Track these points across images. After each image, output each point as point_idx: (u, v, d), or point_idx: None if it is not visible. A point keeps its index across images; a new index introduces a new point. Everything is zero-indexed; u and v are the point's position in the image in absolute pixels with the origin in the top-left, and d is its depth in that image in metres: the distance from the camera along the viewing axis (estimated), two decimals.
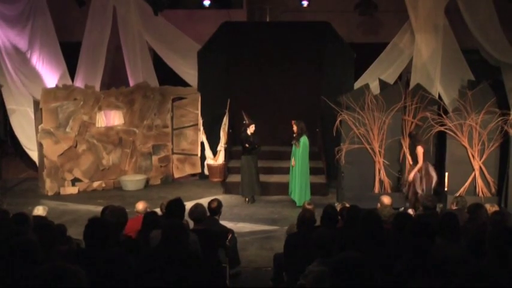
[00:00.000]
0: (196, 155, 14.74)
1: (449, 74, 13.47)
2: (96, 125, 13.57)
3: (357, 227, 5.77)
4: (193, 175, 14.85)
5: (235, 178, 13.40)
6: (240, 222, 10.97)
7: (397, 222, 5.87)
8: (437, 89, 13.43)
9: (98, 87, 13.95)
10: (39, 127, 13.01)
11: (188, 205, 7.07)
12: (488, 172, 11.41)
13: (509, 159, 11.17)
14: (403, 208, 10.97)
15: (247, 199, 12.44)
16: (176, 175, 14.80)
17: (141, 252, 5.24)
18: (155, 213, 7.11)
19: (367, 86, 12.19)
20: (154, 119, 14.38)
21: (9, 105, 13.97)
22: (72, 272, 3.18)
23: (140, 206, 8.11)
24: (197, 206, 7.17)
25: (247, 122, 12.45)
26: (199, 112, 14.66)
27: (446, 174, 11.58)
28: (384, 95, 11.82)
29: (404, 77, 14.55)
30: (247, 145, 12.25)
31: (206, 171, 14.63)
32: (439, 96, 13.21)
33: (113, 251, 4.33)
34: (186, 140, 14.79)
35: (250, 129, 12.27)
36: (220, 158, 14.35)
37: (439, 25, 13.41)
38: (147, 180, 14.14)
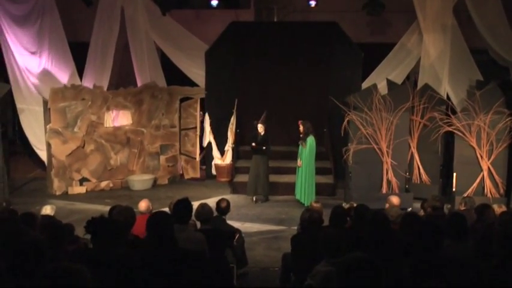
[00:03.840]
0: (195, 158, 14.74)
1: (458, 74, 13.43)
2: (104, 125, 13.60)
3: (365, 228, 5.75)
4: (196, 179, 14.79)
5: (242, 178, 13.40)
6: (247, 222, 10.97)
7: (405, 223, 5.85)
8: (445, 89, 13.40)
9: (105, 87, 13.98)
10: (48, 127, 13.05)
11: (196, 205, 7.06)
12: (496, 173, 11.36)
13: None
14: (410, 208, 10.94)
15: (254, 199, 12.44)
16: (185, 176, 14.79)
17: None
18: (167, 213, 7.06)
19: (374, 86, 12.15)
20: (162, 118, 14.39)
21: (19, 104, 14.01)
22: (76, 271, 3.18)
23: (143, 205, 8.05)
24: (203, 206, 7.15)
25: (257, 121, 12.44)
26: (197, 114, 14.65)
27: (454, 174, 11.55)
28: (392, 95, 11.79)
29: (412, 77, 14.52)
30: (253, 144, 12.27)
31: (214, 171, 14.62)
32: (447, 97, 13.18)
33: (120, 250, 4.33)
34: (189, 141, 14.81)
35: (259, 129, 12.29)
36: (228, 158, 14.35)
37: (447, 25, 13.37)
38: (155, 180, 14.16)
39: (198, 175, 14.74)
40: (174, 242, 4.74)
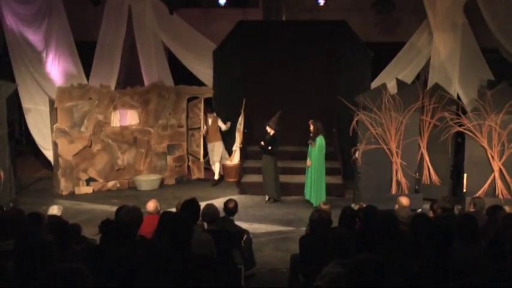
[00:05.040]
0: (199, 159, 14.74)
1: (468, 73, 13.39)
2: (111, 125, 13.64)
3: (374, 229, 5.74)
4: (201, 179, 14.75)
5: (250, 178, 13.42)
6: (255, 223, 10.97)
7: (414, 224, 5.83)
8: (455, 88, 13.37)
9: (113, 87, 14.01)
10: (54, 126, 13.10)
11: (203, 205, 7.07)
12: (508, 173, 11.29)
13: None
14: (420, 209, 10.91)
15: (266, 198, 12.49)
16: (192, 176, 14.79)
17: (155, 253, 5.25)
18: (172, 213, 7.08)
19: (384, 85, 12.12)
20: (169, 118, 14.39)
21: (25, 104, 14.05)
22: (77, 271, 3.20)
23: (151, 205, 8.06)
24: (209, 207, 7.16)
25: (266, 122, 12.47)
26: (201, 113, 14.60)
27: (465, 175, 11.49)
28: (402, 95, 11.75)
29: (422, 76, 14.49)
30: (262, 143, 12.30)
31: (221, 171, 14.60)
32: (458, 96, 13.14)
33: (127, 250, 4.34)
34: (195, 142, 14.80)
35: (267, 129, 12.30)
36: (236, 158, 14.34)
37: (458, 24, 13.33)
38: (162, 180, 14.17)
39: (202, 176, 14.73)
40: (190, 245, 4.76)
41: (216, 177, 14.17)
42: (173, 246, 4.66)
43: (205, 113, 14.46)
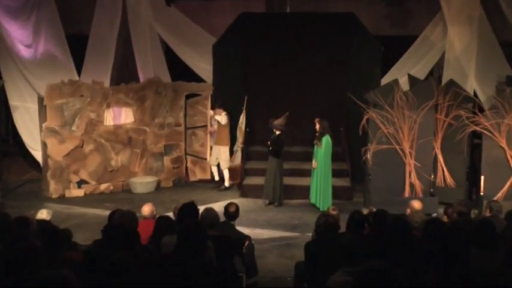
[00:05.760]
0: (205, 159, 14.73)
1: (485, 69, 13.37)
2: (104, 124, 13.63)
3: (385, 234, 5.73)
4: (206, 180, 14.69)
5: (252, 180, 13.39)
6: (257, 228, 10.93)
7: (428, 229, 5.81)
8: (472, 85, 13.35)
9: (107, 83, 14.01)
10: (43, 125, 13.09)
11: (202, 209, 7.07)
12: None
13: None
14: (435, 214, 10.89)
15: (266, 202, 12.46)
16: (191, 178, 14.76)
17: (152, 259, 5.25)
18: (168, 217, 7.09)
19: (396, 81, 12.10)
20: (167, 116, 14.38)
21: (13, 102, 14.07)
22: (64, 278, 3.22)
23: (146, 209, 8.05)
24: (208, 211, 7.15)
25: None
26: (208, 111, 14.55)
27: (482, 177, 11.47)
28: (415, 92, 11.73)
29: (436, 72, 14.47)
30: (268, 143, 12.32)
31: (220, 174, 14.50)
32: (474, 93, 13.13)
33: (121, 256, 4.34)
34: (197, 141, 14.76)
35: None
36: (237, 159, 14.30)
37: (474, 16, 13.32)
38: (159, 183, 14.16)
39: (208, 176, 14.65)
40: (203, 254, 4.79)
41: (227, 184, 13.96)
42: (184, 254, 4.67)
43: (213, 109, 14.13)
